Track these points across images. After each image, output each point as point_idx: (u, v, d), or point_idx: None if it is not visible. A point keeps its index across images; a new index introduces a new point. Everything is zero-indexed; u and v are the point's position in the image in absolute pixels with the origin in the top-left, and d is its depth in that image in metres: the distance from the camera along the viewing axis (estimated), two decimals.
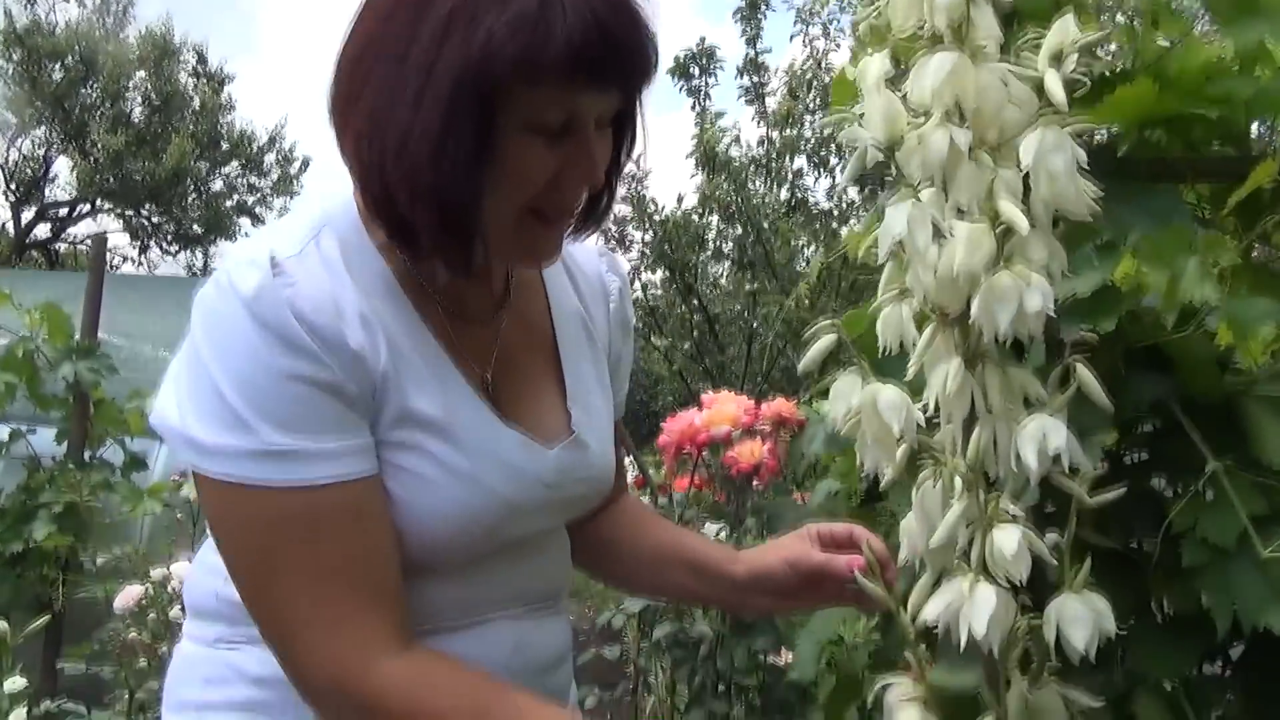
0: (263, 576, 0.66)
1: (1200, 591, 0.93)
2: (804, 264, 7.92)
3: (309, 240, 0.68)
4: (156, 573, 2.17)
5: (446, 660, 0.68)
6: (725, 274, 8.85)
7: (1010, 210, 0.66)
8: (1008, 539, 0.65)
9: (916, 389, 0.75)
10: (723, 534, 1.73)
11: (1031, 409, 0.70)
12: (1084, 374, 0.69)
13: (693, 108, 7.93)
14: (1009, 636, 0.67)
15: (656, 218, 7.86)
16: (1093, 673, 0.77)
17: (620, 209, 8.38)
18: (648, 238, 8.05)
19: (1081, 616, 0.67)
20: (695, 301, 8.18)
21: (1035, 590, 0.73)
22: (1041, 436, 0.67)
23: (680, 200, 8.02)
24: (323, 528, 0.65)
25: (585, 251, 0.89)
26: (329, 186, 0.75)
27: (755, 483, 1.65)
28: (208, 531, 0.70)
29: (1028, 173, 0.69)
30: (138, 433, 2.85)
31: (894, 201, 0.70)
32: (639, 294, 8.14)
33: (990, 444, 0.68)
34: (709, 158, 7.57)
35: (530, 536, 0.78)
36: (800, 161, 8.14)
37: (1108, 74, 0.99)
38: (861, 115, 0.73)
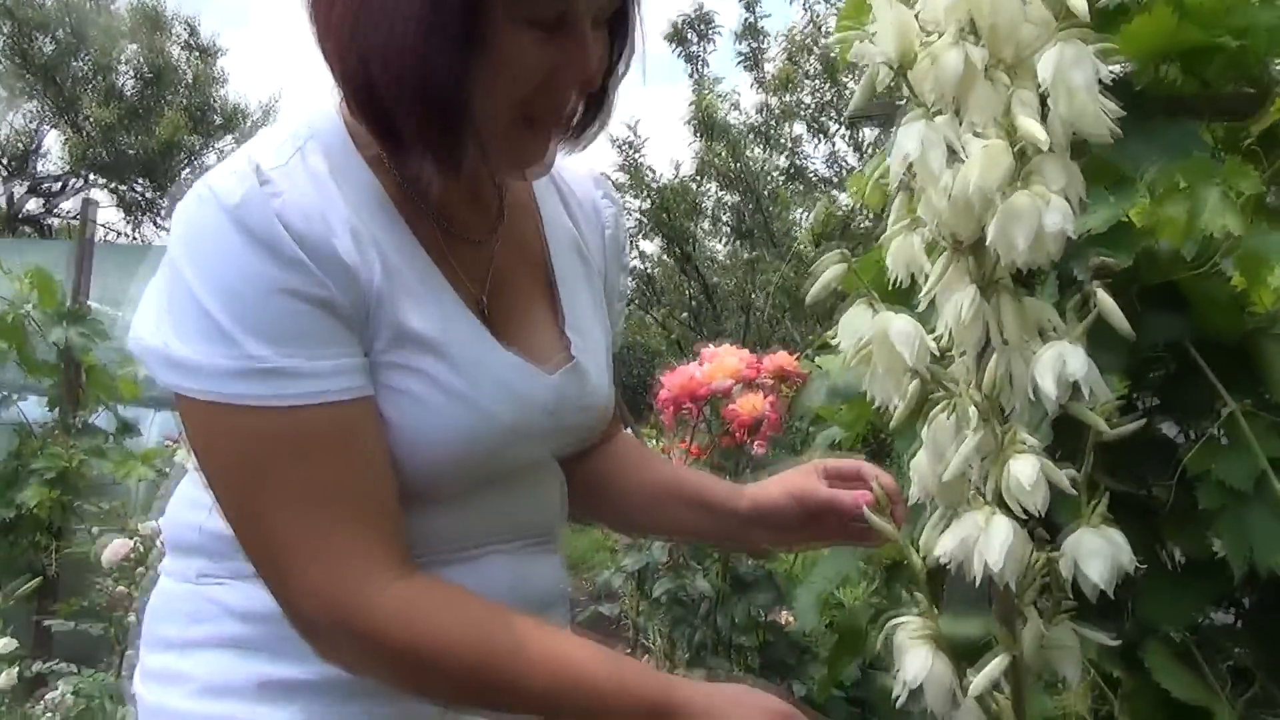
0: (251, 502, 0.63)
1: (1214, 536, 0.91)
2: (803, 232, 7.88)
3: (294, 153, 0.65)
4: (145, 527, 2.15)
5: (446, 586, 0.66)
6: (723, 243, 8.81)
7: (1029, 125, 0.63)
8: (1026, 468, 0.62)
9: (925, 324, 0.73)
10: None
11: (1049, 339, 0.67)
12: (1104, 300, 0.66)
13: (690, 74, 7.85)
14: (1025, 572, 0.64)
15: (653, 185, 7.80)
16: (1100, 621, 0.75)
17: (616, 177, 8.32)
18: (644, 205, 7.99)
19: (1100, 551, 0.65)
20: (693, 270, 8.14)
21: (1048, 530, 0.71)
22: (1061, 363, 0.64)
23: (678, 167, 7.95)
24: (313, 449, 0.62)
25: (578, 176, 0.86)
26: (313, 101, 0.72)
27: (757, 445, 1.63)
28: (188, 466, 0.67)
29: (1045, 94, 0.66)
30: (129, 399, 2.82)
31: (906, 121, 0.67)
32: (636, 263, 8.10)
33: (1006, 374, 0.66)
34: (706, 124, 7.50)
35: (527, 467, 0.75)
36: (799, 128, 8.07)
37: (1124, 2, 0.96)
38: (872, 32, 0.69)
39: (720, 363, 1.61)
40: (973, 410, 0.66)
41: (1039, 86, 0.65)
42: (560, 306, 0.78)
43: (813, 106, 7.78)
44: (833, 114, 7.65)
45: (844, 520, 0.80)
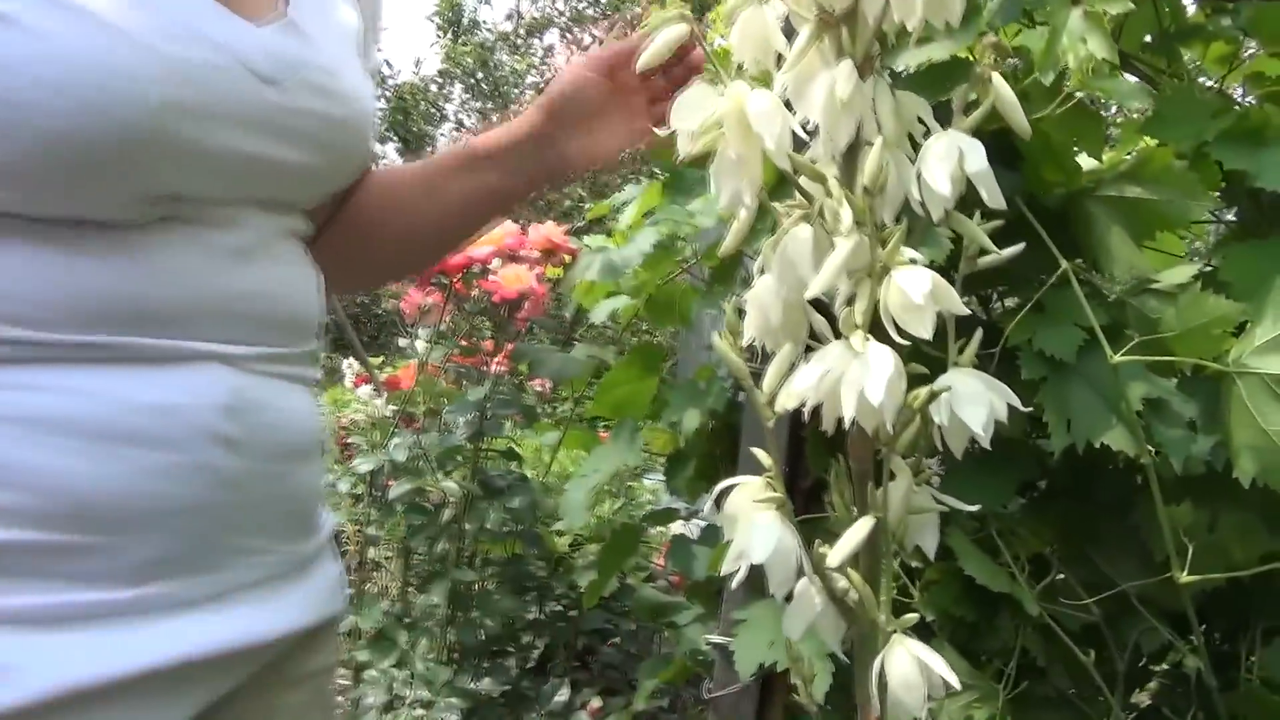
0: None
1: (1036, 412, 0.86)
2: None
3: None
4: None
5: None
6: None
7: None
8: (916, 280, 0.50)
9: None
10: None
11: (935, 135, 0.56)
12: (1001, 86, 0.55)
13: None
14: (900, 413, 0.53)
15: (391, 83, 7.30)
16: None
17: None
18: (379, 105, 7.47)
19: (979, 395, 0.55)
20: None
21: None
22: (956, 155, 0.53)
23: (419, 65, 7.48)
24: None
25: None
26: None
27: (518, 322, 1.45)
28: None
29: None
30: None
31: None
32: None
33: (887, 169, 0.53)
34: (453, 20, 7.09)
35: (251, 209, 0.54)
36: (551, 37, 7.84)
37: None
38: None
39: None
40: (846, 211, 0.53)
41: None
42: None
43: (568, 14, 7.56)
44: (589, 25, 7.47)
45: (654, 96, 0.68)
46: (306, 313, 0.58)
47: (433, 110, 7.51)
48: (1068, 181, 0.87)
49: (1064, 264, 0.82)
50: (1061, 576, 0.92)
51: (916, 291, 0.50)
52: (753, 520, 0.54)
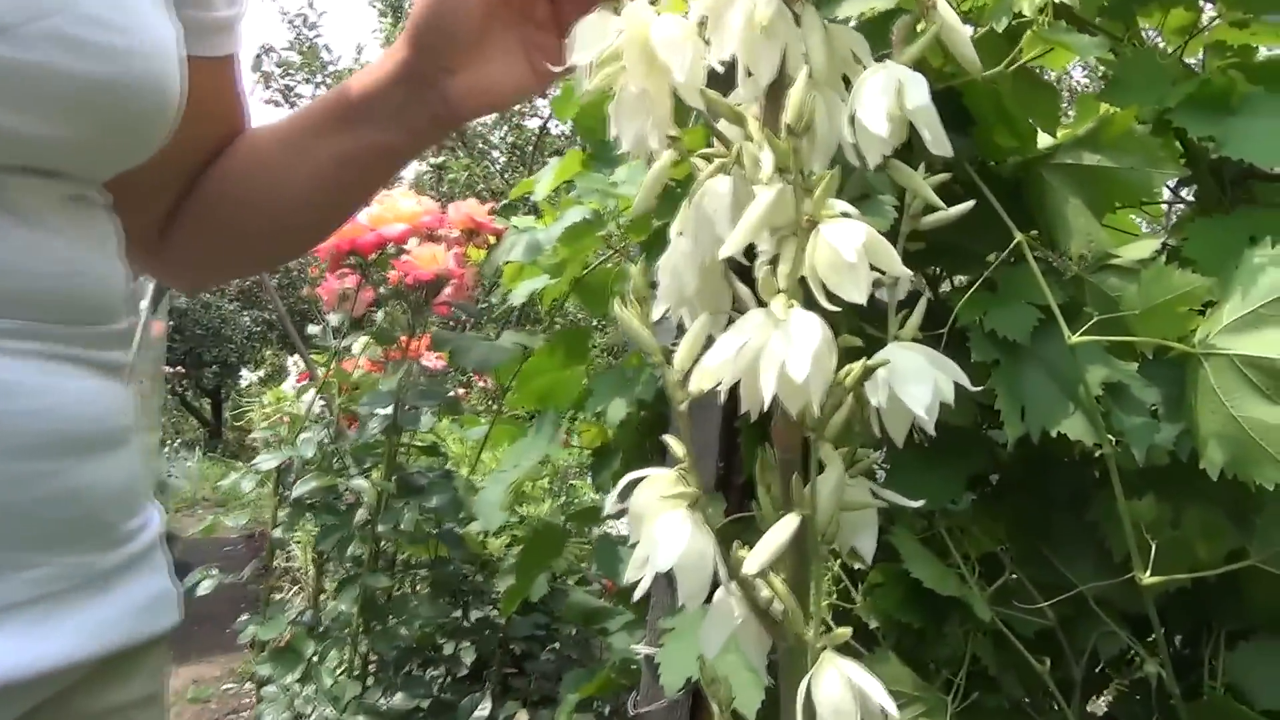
0: None
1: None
2: (501, 137, 7.60)
3: None
4: None
5: None
6: None
7: None
8: (847, 235, 0.43)
9: None
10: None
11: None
12: (947, 12, 0.48)
13: None
14: (829, 391, 0.45)
15: (330, 67, 7.13)
16: None
17: (288, 56, 7.55)
18: (320, 91, 7.29)
19: (921, 372, 0.48)
20: None
21: None
22: (894, 89, 0.45)
23: (360, 51, 7.32)
24: None
25: None
26: None
27: (437, 309, 1.36)
28: None
29: None
30: None
31: None
32: None
33: (814, 106, 0.46)
34: (395, 4, 6.94)
35: None
36: None
37: None
38: None
39: (392, 204, 1.33)
40: (767, 156, 0.46)
41: None
42: None
43: None
44: None
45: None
46: (91, 287, 0.49)
47: None
48: (1022, 148, 0.81)
49: (1018, 236, 0.76)
50: (1014, 577, 0.86)
51: (847, 247, 0.43)
52: (658, 520, 0.47)
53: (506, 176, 7.21)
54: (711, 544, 0.47)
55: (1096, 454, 0.80)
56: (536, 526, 1.07)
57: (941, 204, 0.50)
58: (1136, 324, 0.74)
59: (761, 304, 0.46)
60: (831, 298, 0.44)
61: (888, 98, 0.45)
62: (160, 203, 0.63)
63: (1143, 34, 1.04)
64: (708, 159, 0.50)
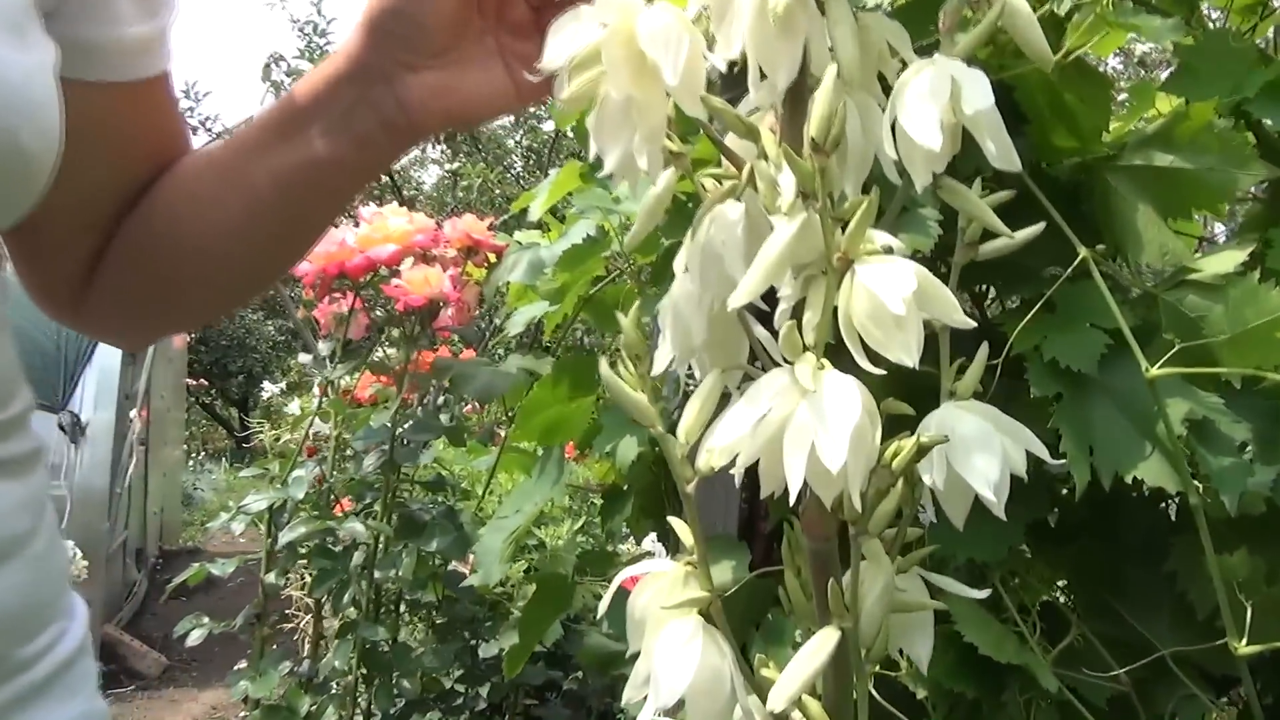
0: None
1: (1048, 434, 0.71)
2: (517, 141, 7.53)
3: None
4: None
5: None
6: (421, 149, 8.25)
7: None
8: (893, 279, 0.34)
9: None
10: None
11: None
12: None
13: None
14: (873, 473, 0.37)
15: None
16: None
17: (298, 64, 7.53)
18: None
19: (986, 440, 0.39)
20: (391, 183, 7.55)
21: None
22: (948, 91, 0.37)
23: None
24: None
25: None
26: None
27: (437, 332, 1.28)
28: None
29: None
30: None
31: None
32: None
33: (845, 114, 0.37)
34: None
35: None
36: None
37: None
38: None
39: (381, 224, 1.24)
40: (787, 178, 0.37)
41: None
42: None
43: None
44: None
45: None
46: None
47: None
48: (1083, 148, 0.72)
49: (1082, 250, 0.66)
50: (1080, 635, 0.77)
51: (893, 296, 0.34)
52: (663, 634, 0.38)
53: (524, 182, 7.15)
54: (729, 662, 0.39)
55: (1174, 492, 0.71)
56: (540, 579, 0.99)
57: (1007, 230, 0.41)
58: (1224, 351, 0.64)
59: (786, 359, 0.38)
60: (873, 357, 0.35)
61: (938, 101, 0.36)
62: (79, 249, 0.54)
63: (1204, 14, 0.95)
64: (717, 179, 0.42)
